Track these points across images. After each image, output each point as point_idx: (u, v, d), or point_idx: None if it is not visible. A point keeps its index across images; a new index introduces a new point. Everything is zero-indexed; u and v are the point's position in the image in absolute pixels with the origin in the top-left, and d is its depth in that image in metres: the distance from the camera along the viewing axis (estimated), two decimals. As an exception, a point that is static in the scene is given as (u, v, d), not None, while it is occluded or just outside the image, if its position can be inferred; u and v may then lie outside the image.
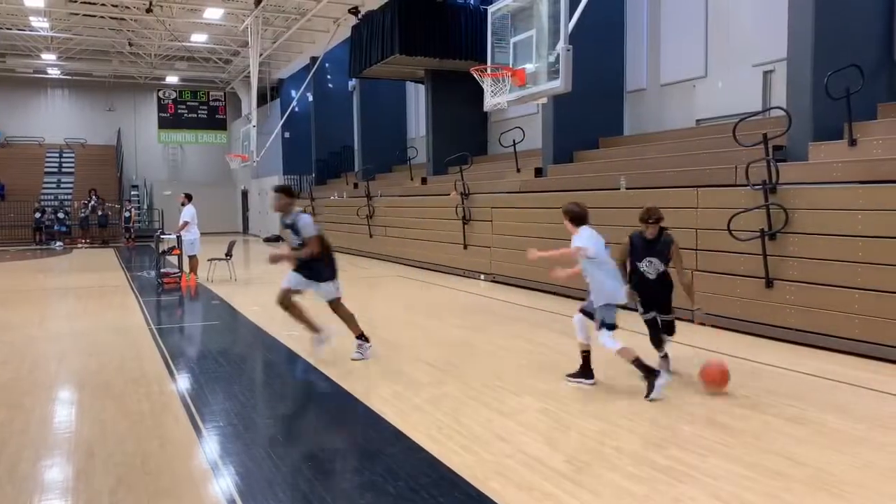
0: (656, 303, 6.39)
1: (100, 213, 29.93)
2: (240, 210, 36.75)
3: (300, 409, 5.96)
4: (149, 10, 22.12)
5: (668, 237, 6.27)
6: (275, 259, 7.51)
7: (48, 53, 29.38)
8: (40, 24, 24.74)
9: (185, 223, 14.17)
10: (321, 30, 23.80)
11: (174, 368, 7.26)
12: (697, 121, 13.03)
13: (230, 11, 23.23)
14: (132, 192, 34.12)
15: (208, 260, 14.76)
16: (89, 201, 30.11)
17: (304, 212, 7.56)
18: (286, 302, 7.42)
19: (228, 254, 15.07)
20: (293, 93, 28.36)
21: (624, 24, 14.20)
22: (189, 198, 14.52)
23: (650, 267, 6.23)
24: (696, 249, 9.23)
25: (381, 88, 23.48)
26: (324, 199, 25.13)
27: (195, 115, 32.82)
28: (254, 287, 14.59)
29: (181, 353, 8.17)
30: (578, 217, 6.12)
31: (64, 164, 33.71)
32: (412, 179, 20.23)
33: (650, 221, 6.18)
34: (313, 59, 26.13)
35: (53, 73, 33.06)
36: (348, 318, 7.53)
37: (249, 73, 24.11)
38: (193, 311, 11.77)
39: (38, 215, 29.31)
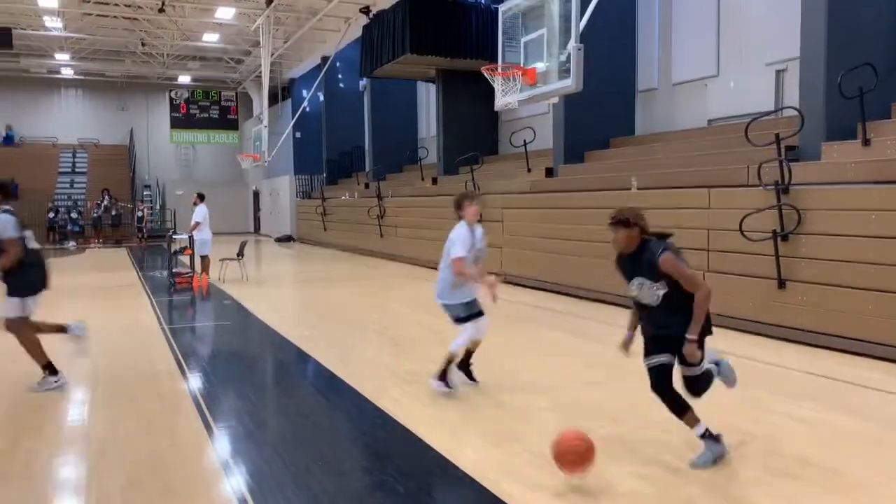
0: (662, 344, 4.39)
1: (113, 212, 30.12)
2: (251, 210, 36.87)
3: (310, 409, 5.98)
4: (161, 10, 22.23)
5: (653, 248, 4.30)
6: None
7: (61, 53, 29.57)
8: (54, 24, 24.90)
9: (197, 223, 14.23)
10: (332, 29, 23.84)
11: (186, 368, 7.30)
12: (709, 120, 12.97)
13: (242, 11, 23.31)
14: (145, 192, 34.30)
15: (220, 260, 14.82)
16: (102, 201, 30.30)
17: (8, 212, 6.15)
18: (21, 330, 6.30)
19: (240, 254, 15.12)
20: (304, 93, 28.43)
21: (635, 22, 14.14)
22: (201, 198, 14.59)
23: (643, 292, 4.39)
24: (708, 250, 9.19)
25: (392, 88, 23.50)
26: (335, 199, 25.19)
27: (207, 115, 32.95)
28: (265, 287, 14.63)
29: (193, 352, 8.21)
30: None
31: (77, 164, 33.92)
32: (423, 179, 20.24)
33: (609, 223, 4.45)
34: (324, 59, 26.18)
35: (67, 73, 33.26)
36: (30, 345, 6.35)
37: (261, 73, 24.18)
38: (205, 310, 11.83)
39: (51, 215, 29.52)
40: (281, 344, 8.66)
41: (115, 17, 24.14)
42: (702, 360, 4.39)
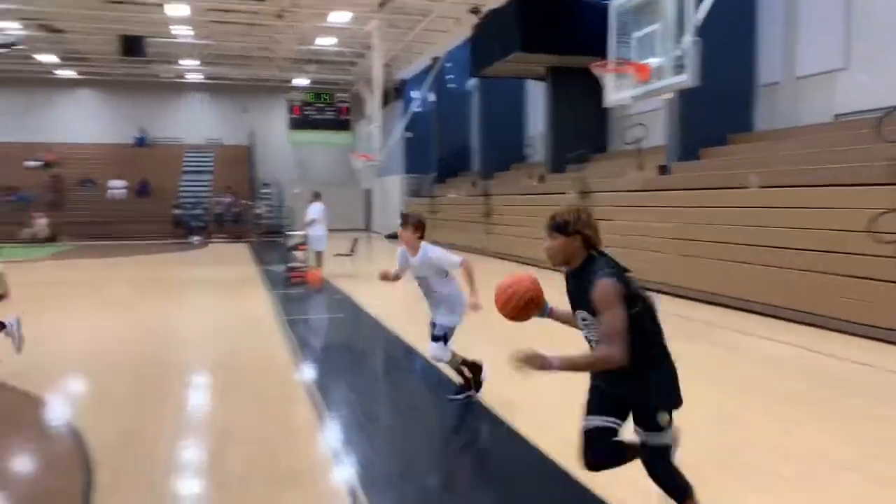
0: (607, 404, 3.31)
1: (234, 209, 31.61)
2: (363, 208, 37.76)
3: (419, 404, 6.08)
4: (279, 17, 23.13)
5: (594, 269, 3.21)
6: None
7: (189, 59, 31.28)
8: (182, 31, 26.35)
9: (312, 220, 14.72)
10: (442, 30, 24.09)
11: (301, 358, 7.57)
12: (836, 115, 12.25)
13: (356, 14, 23.88)
14: (264, 190, 35.76)
15: (333, 256, 15.26)
16: (224, 198, 31.87)
17: None
18: None
19: (352, 250, 15.53)
20: (415, 93, 28.86)
21: (756, 12, 13.53)
22: (317, 196, 15.08)
23: (588, 329, 3.30)
24: (829, 252, 8.69)
25: (501, 87, 23.51)
26: (443, 198, 25.47)
27: (321, 117, 33.88)
28: (376, 282, 14.95)
29: (307, 343, 8.51)
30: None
31: (202, 164, 35.82)
32: (530, 178, 20.15)
33: (545, 226, 3.42)
34: (434, 60, 26.49)
35: (193, 77, 35.19)
36: None
37: (373, 74, 24.71)
38: (318, 304, 12.22)
39: (178, 211, 31.29)
40: (391, 338, 8.84)
41: (237, 23, 25.31)
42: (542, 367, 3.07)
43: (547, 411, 5.57)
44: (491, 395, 5.97)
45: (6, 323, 6.71)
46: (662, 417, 3.23)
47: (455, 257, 5.72)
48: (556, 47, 17.88)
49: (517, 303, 3.38)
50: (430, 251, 5.70)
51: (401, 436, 5.13)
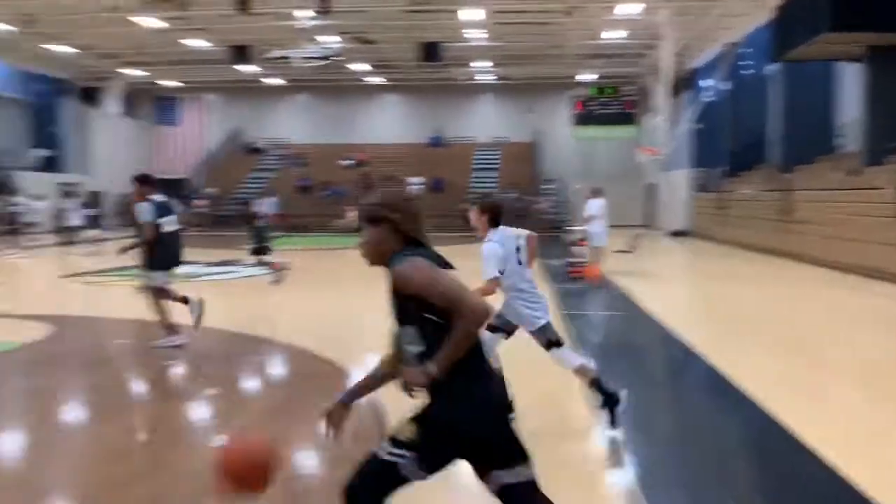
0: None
1: (518, 205, 32.67)
2: (643, 204, 36.79)
3: (697, 408, 5.78)
4: (568, 13, 23.34)
5: (393, 262, 2.57)
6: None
7: (481, 61, 32.90)
8: (475, 35, 27.74)
9: (591, 216, 14.67)
10: (739, 14, 22.57)
11: (580, 352, 7.58)
12: None
13: (646, 4, 23.30)
14: (546, 186, 36.44)
15: (613, 252, 15.08)
16: (510, 194, 33.07)
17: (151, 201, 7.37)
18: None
19: (633, 247, 15.22)
20: (707, 82, 27.43)
21: None
22: (597, 192, 15.00)
23: (403, 345, 2.71)
24: None
25: (805, 71, 21.37)
26: (735, 194, 23.88)
27: (605, 111, 33.64)
28: (657, 281, 14.52)
29: (585, 338, 8.50)
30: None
31: (490, 161, 37.52)
32: (841, 171, 18.10)
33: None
34: (728, 46, 24.92)
35: (482, 78, 37.01)
36: (159, 310, 7.40)
37: (661, 65, 23.93)
38: (597, 300, 12.17)
39: (467, 206, 33.16)
40: (669, 339, 8.51)
41: (527, 23, 26.04)
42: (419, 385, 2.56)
43: (835, 423, 4.97)
44: (771, 402, 5.47)
45: (189, 299, 7.80)
46: (406, 427, 2.60)
47: (488, 271, 5.08)
48: (876, 24, 15.85)
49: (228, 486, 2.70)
50: (485, 245, 5.14)
51: (677, 440, 4.92)
